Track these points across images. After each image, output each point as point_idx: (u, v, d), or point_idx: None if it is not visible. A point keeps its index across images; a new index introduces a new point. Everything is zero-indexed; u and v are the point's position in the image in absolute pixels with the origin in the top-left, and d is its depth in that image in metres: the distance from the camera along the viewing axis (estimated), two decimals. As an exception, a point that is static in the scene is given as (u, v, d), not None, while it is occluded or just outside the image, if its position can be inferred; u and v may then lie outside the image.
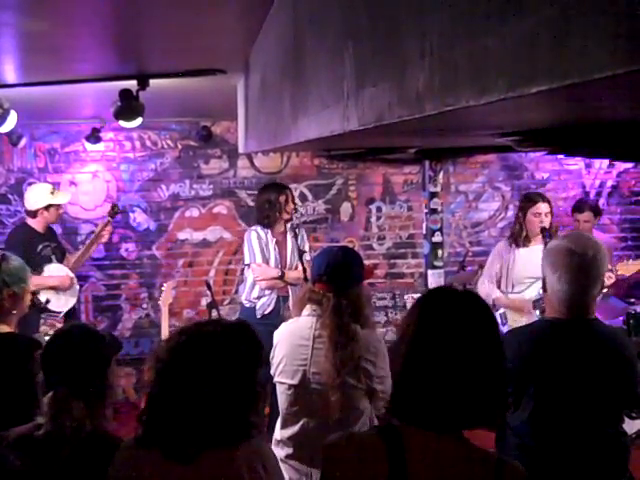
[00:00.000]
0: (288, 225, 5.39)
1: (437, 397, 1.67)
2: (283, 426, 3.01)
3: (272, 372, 3.00)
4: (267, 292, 5.34)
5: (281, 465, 2.89)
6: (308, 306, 2.98)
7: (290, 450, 2.96)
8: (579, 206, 5.91)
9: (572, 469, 2.49)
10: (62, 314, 3.90)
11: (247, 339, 1.99)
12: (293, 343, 2.95)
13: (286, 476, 2.87)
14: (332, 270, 2.93)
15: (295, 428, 2.95)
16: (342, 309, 2.87)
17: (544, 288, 2.59)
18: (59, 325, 3.62)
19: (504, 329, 4.83)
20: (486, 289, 5.13)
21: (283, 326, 3.08)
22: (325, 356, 2.84)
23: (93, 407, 2.23)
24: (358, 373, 2.85)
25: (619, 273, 5.28)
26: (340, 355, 2.82)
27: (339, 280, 2.92)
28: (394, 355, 1.81)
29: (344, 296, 2.89)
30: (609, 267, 5.26)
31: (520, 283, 5.04)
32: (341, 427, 2.79)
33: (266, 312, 5.32)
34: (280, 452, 2.97)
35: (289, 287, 5.35)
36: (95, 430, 2.22)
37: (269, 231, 5.38)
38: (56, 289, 5.43)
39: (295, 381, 2.92)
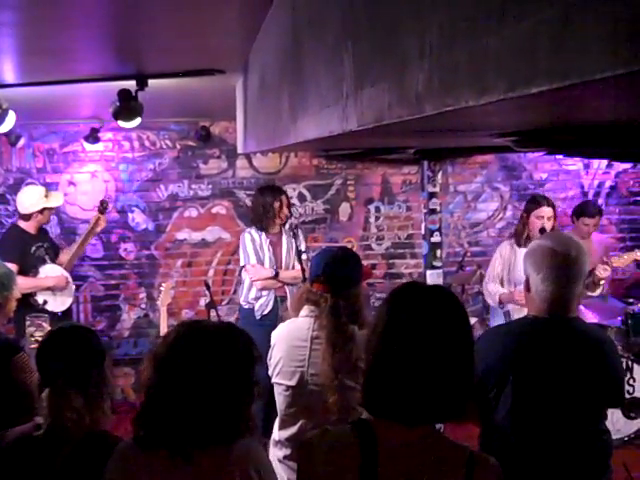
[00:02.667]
0: (286, 226, 5.41)
1: (407, 390, 1.68)
2: (281, 427, 3.00)
3: (270, 373, 2.99)
4: (264, 293, 5.36)
5: (279, 465, 2.90)
6: (306, 307, 2.97)
7: (288, 451, 2.96)
8: (588, 211, 5.77)
9: (552, 466, 2.50)
10: (48, 315, 3.90)
11: (241, 336, 2.01)
12: (291, 344, 2.94)
13: (284, 476, 2.88)
14: (330, 270, 2.92)
15: (293, 429, 2.94)
16: (340, 310, 2.86)
17: (527, 288, 2.60)
18: (45, 325, 3.61)
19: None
20: (490, 288, 5.20)
21: (280, 327, 3.07)
22: (323, 357, 2.83)
23: (91, 401, 2.24)
24: (356, 374, 2.84)
25: (614, 265, 5.30)
26: (338, 356, 2.81)
27: (337, 281, 2.91)
28: (365, 350, 1.82)
29: (342, 297, 2.88)
30: (604, 260, 5.30)
31: (522, 282, 5.03)
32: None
33: (264, 313, 5.34)
34: (278, 453, 2.97)
35: (286, 287, 5.37)
36: (94, 429, 2.23)
37: (263, 233, 5.40)
38: (52, 290, 5.44)
39: (293, 382, 2.91)
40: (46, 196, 5.52)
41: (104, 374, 2.34)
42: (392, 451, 1.69)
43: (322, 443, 1.78)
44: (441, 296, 1.80)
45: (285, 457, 2.96)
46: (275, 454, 2.98)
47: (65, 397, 2.19)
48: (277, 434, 3.02)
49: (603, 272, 5.19)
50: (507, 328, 2.80)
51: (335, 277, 2.91)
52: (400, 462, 1.69)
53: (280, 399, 2.98)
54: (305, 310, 2.97)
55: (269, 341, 2.98)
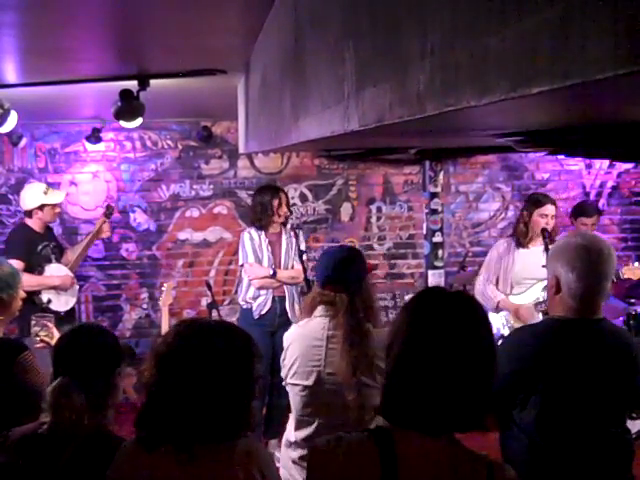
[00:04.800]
0: (288, 225, 5.42)
1: (429, 399, 1.65)
2: (297, 428, 2.98)
3: (283, 374, 2.99)
4: (262, 292, 5.36)
5: (293, 467, 2.90)
6: (320, 307, 2.96)
7: (304, 452, 2.92)
8: (586, 210, 5.77)
9: (580, 468, 2.49)
10: (53, 316, 3.89)
11: (240, 333, 2.02)
12: (306, 344, 2.93)
13: (298, 478, 2.87)
14: (339, 270, 2.93)
15: (310, 429, 2.91)
16: (356, 308, 2.87)
17: (557, 289, 2.52)
18: (50, 325, 3.61)
19: (507, 331, 4.82)
20: (488, 291, 5.09)
21: (294, 328, 3.07)
22: (340, 355, 2.82)
23: (95, 403, 2.23)
24: (373, 372, 2.83)
25: (625, 277, 5.22)
26: (355, 353, 2.81)
27: (347, 279, 2.92)
28: (385, 357, 1.78)
29: (357, 294, 2.90)
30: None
31: (519, 284, 5.01)
32: (358, 427, 2.78)
33: (262, 312, 5.34)
34: (292, 454, 2.96)
35: (285, 287, 5.37)
36: (99, 430, 2.23)
37: (262, 232, 5.41)
38: (57, 289, 5.44)
39: (310, 382, 2.89)
40: (45, 193, 5.50)
41: (113, 381, 2.33)
42: (412, 461, 1.65)
43: (337, 451, 1.73)
44: (464, 302, 1.76)
45: (301, 458, 2.93)
46: (289, 455, 2.97)
47: (66, 395, 2.19)
48: (292, 435, 3.00)
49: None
50: (535, 330, 2.69)
51: (344, 276, 2.93)
52: (420, 472, 1.65)
53: (296, 400, 2.96)
54: (319, 310, 2.96)
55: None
